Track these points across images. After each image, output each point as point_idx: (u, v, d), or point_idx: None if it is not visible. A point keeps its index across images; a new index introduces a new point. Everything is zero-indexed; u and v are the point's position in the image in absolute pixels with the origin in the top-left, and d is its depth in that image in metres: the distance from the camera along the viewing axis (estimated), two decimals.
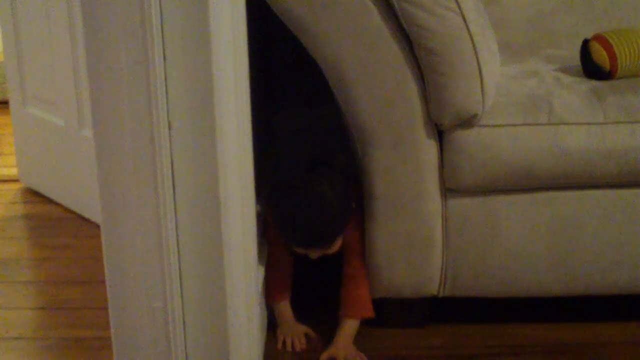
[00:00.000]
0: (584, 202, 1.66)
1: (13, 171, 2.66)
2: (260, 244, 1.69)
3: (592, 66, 1.74)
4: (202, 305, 1.26)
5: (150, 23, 1.10)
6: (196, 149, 1.18)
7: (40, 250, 2.22)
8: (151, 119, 1.14)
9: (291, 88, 2.28)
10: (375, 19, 1.55)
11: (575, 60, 1.79)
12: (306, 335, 1.74)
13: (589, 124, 1.61)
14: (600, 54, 1.72)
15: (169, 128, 1.17)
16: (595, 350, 1.70)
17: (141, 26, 1.10)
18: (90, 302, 1.91)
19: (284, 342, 1.72)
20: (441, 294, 1.73)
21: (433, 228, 1.66)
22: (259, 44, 1.94)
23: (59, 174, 2.41)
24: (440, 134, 1.63)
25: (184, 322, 1.27)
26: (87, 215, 2.34)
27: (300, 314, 1.77)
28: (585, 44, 1.75)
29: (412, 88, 1.58)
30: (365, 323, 1.73)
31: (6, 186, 2.61)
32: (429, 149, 1.62)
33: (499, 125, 1.61)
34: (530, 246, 1.68)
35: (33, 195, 2.54)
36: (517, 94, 1.68)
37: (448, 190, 1.65)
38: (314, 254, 1.67)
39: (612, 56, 1.71)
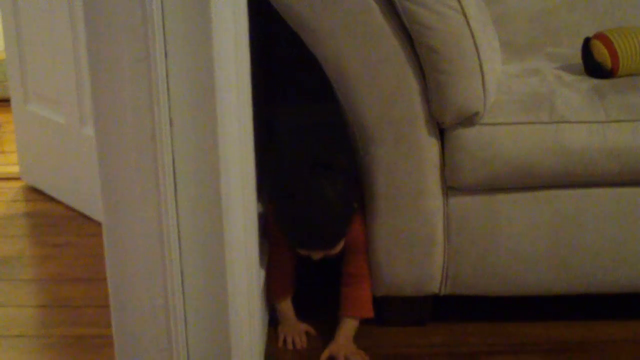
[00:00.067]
0: (585, 201, 1.66)
1: (15, 169, 2.66)
2: (262, 243, 1.69)
3: (594, 64, 1.74)
4: (204, 303, 1.26)
5: (151, 20, 1.10)
6: (198, 146, 1.18)
7: (42, 248, 2.22)
8: (152, 116, 1.14)
9: (292, 85, 2.28)
10: (377, 16, 1.55)
11: (577, 58, 1.79)
12: (307, 333, 1.74)
13: (590, 122, 1.61)
14: (601, 52, 1.72)
15: (171, 125, 1.17)
16: (596, 349, 1.70)
17: (142, 23, 1.10)
18: (91, 300, 1.91)
19: (284, 340, 1.72)
20: (442, 292, 1.73)
21: (434, 226, 1.66)
22: (260, 42, 1.94)
23: (60, 171, 2.41)
24: (441, 132, 1.63)
25: (185, 320, 1.27)
26: (88, 213, 2.34)
27: (302, 312, 1.77)
28: (587, 42, 1.75)
29: (413, 86, 1.58)
30: (366, 321, 1.73)
31: (8, 184, 2.62)
32: (431, 146, 1.62)
33: (500, 124, 1.61)
34: (531, 244, 1.68)
35: (34, 193, 2.54)
36: (519, 92, 1.68)
37: (449, 188, 1.65)
38: (317, 255, 1.67)
39: (614, 54, 1.71)
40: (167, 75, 1.14)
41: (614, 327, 1.77)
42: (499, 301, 1.77)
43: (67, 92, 2.27)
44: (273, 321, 1.77)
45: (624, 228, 1.67)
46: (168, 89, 1.15)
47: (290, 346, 1.71)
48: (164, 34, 1.13)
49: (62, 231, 2.28)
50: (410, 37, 1.56)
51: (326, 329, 1.73)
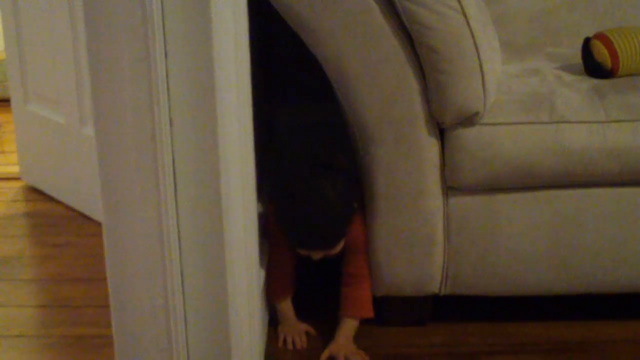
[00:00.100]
0: (585, 201, 1.66)
1: (15, 169, 2.66)
2: (262, 243, 1.69)
3: (594, 64, 1.74)
4: (204, 303, 1.26)
5: (151, 20, 1.10)
6: (197, 146, 1.18)
7: (42, 248, 2.22)
8: (152, 116, 1.14)
9: (292, 85, 2.28)
10: (377, 16, 1.55)
11: (577, 58, 1.79)
12: (307, 333, 1.74)
13: (590, 122, 1.61)
14: (601, 52, 1.72)
15: (171, 125, 1.17)
16: (596, 349, 1.70)
17: (142, 23, 1.10)
18: (91, 300, 1.91)
19: (284, 340, 1.72)
20: (442, 292, 1.73)
21: (434, 226, 1.66)
22: (260, 41, 1.94)
23: (60, 171, 2.41)
24: (441, 132, 1.63)
25: (185, 320, 1.26)
26: (88, 213, 2.34)
27: (302, 312, 1.77)
28: (587, 42, 1.75)
29: (413, 86, 1.58)
30: (366, 321, 1.73)
31: (8, 184, 2.62)
32: (431, 146, 1.62)
33: (500, 124, 1.61)
34: (531, 244, 1.68)
35: (34, 193, 2.54)
36: (519, 92, 1.68)
37: (449, 188, 1.65)
38: (317, 256, 1.67)
39: (614, 54, 1.71)
40: (167, 75, 1.14)
41: (614, 327, 1.77)
42: (499, 301, 1.77)
43: (67, 92, 2.27)
44: (273, 321, 1.77)
45: (624, 228, 1.67)
46: (168, 89, 1.15)
47: (290, 346, 1.71)
48: (164, 34, 1.13)
49: (62, 231, 2.28)
50: (410, 37, 1.56)
51: (326, 329, 1.73)
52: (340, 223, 1.64)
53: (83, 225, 2.30)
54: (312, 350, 1.71)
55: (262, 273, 1.69)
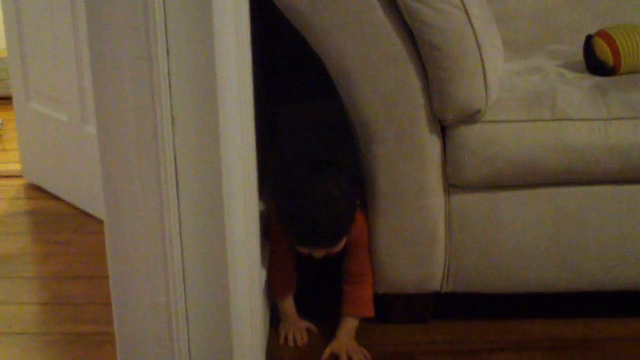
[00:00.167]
0: (587, 198, 1.66)
1: (16, 167, 2.66)
2: (263, 241, 1.69)
3: (596, 62, 1.74)
4: (206, 301, 1.26)
5: (153, 18, 1.10)
6: (200, 144, 1.18)
7: (44, 246, 2.22)
8: (154, 114, 1.14)
9: (294, 83, 2.28)
10: (379, 14, 1.54)
11: (579, 56, 1.79)
12: (308, 331, 1.75)
13: (592, 120, 1.61)
14: (603, 50, 1.72)
15: (173, 123, 1.17)
16: (598, 346, 1.70)
17: (145, 21, 1.10)
18: (93, 298, 1.91)
19: (286, 338, 1.72)
20: (444, 290, 1.73)
21: (436, 224, 1.66)
22: (262, 40, 1.94)
23: (62, 170, 2.41)
24: (443, 129, 1.63)
25: (187, 318, 1.27)
26: (90, 211, 2.34)
27: (303, 311, 1.77)
28: (589, 40, 1.75)
29: (415, 84, 1.58)
30: (368, 318, 1.73)
31: (10, 182, 2.62)
32: (433, 144, 1.62)
33: (502, 121, 1.61)
34: (533, 242, 1.68)
35: (36, 191, 2.54)
36: (521, 90, 1.67)
37: (451, 186, 1.65)
38: (319, 254, 1.67)
39: (616, 52, 1.71)
40: (169, 74, 1.14)
41: (616, 324, 1.77)
42: (500, 299, 1.77)
43: (69, 90, 2.27)
44: (275, 319, 1.77)
45: (625, 226, 1.67)
46: (170, 87, 1.15)
47: (291, 343, 1.72)
48: (166, 32, 1.13)
49: (64, 229, 2.28)
50: (412, 35, 1.56)
51: (328, 327, 1.73)
52: (343, 221, 1.64)
53: (85, 223, 2.30)
54: (313, 347, 1.71)
55: (264, 271, 1.69)
